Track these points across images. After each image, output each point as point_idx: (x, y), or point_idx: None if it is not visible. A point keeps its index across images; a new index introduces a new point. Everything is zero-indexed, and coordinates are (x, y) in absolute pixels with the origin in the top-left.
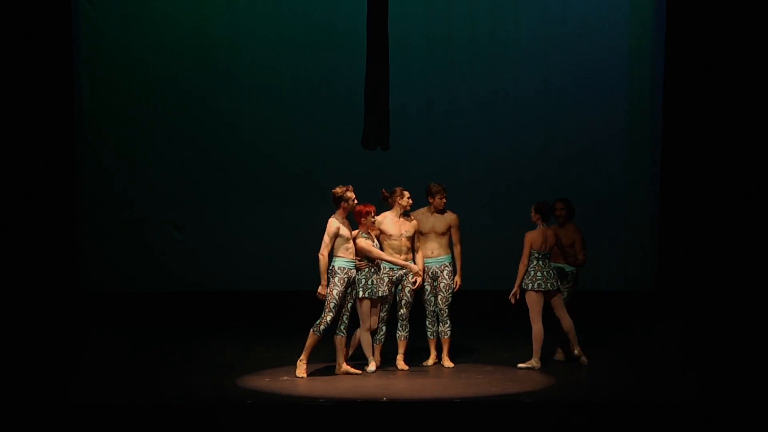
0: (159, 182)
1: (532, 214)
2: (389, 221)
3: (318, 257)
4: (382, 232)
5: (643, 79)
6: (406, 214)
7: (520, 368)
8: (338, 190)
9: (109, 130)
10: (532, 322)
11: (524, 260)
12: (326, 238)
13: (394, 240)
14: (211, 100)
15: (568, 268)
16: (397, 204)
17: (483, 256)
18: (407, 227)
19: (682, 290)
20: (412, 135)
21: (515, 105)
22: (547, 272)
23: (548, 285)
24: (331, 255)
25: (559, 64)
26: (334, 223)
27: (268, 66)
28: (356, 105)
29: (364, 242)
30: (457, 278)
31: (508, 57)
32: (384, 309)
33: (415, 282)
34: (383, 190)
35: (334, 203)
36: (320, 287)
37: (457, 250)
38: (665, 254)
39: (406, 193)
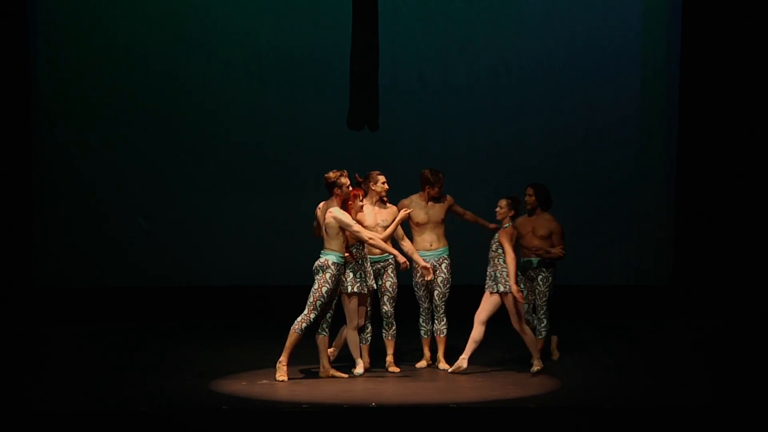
0: (123, 167)
1: (505, 209)
2: (365, 210)
3: (373, 245)
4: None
5: (658, 52)
6: (381, 200)
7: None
8: (331, 174)
9: (68, 110)
10: (518, 328)
11: (511, 255)
12: (355, 226)
13: (369, 230)
14: (181, 76)
15: (535, 261)
16: (371, 190)
17: (480, 247)
18: (384, 215)
19: (700, 285)
20: (403, 114)
21: (517, 81)
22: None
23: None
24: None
25: (566, 36)
26: (341, 211)
27: (243, 37)
28: (341, 81)
29: (357, 225)
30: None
31: (510, 27)
32: (368, 305)
33: (420, 274)
34: (356, 175)
35: (327, 189)
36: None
37: (469, 214)
38: (682, 246)
39: (381, 177)
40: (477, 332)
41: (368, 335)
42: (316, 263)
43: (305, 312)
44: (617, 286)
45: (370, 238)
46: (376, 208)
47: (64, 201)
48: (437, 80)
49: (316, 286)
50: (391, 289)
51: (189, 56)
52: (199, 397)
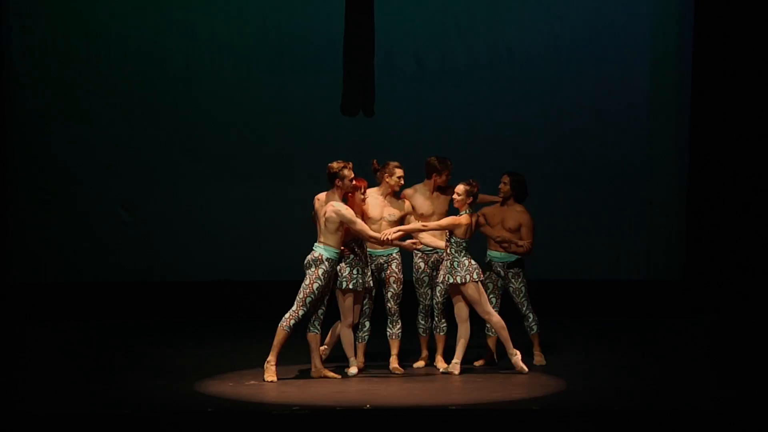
0: (103, 155)
1: (464, 197)
2: (371, 201)
3: (372, 240)
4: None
5: (669, 33)
6: (396, 195)
7: (522, 369)
8: (335, 165)
9: (44, 93)
10: (486, 315)
11: (437, 224)
12: (359, 224)
13: (373, 224)
14: (163, 59)
15: (498, 256)
16: (384, 182)
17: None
18: (392, 211)
19: (714, 280)
20: (400, 99)
21: (520, 64)
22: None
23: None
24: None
25: (571, 16)
26: (344, 206)
27: (230, 17)
28: (335, 63)
29: (360, 223)
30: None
31: (512, 7)
32: (366, 302)
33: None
34: (374, 161)
35: (328, 181)
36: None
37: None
38: (695, 238)
39: (399, 171)
40: (463, 330)
41: (365, 334)
42: (309, 257)
43: (293, 308)
44: (626, 281)
45: (372, 237)
46: (387, 200)
47: (40, 191)
48: (436, 63)
49: (307, 281)
50: (395, 286)
51: (172, 37)
52: (184, 398)
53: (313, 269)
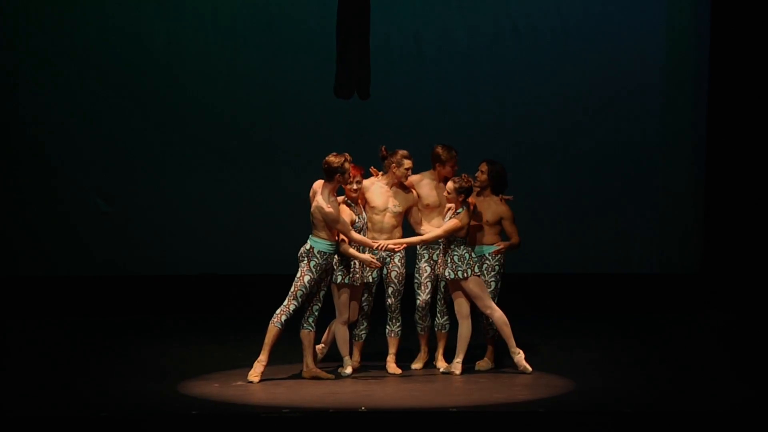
0: (79, 140)
1: (454, 195)
2: (376, 189)
3: (356, 242)
4: (365, 201)
5: (685, 7)
6: (402, 185)
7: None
8: (334, 160)
9: (14, 71)
10: (488, 311)
11: (435, 233)
12: (341, 224)
13: (376, 214)
14: (144, 36)
15: (487, 250)
16: (391, 171)
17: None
18: (396, 202)
19: (732, 274)
20: (398, 80)
21: (524, 43)
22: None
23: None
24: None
25: None
26: (326, 204)
27: None
28: (327, 42)
29: (344, 222)
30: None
31: None
32: (365, 298)
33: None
34: (383, 148)
35: (326, 175)
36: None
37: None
38: (712, 229)
39: (407, 163)
40: (464, 328)
41: (362, 332)
42: (302, 249)
43: (285, 303)
44: (639, 274)
45: (357, 240)
46: (392, 191)
47: (12, 178)
48: (435, 41)
49: (298, 274)
50: (396, 281)
51: (153, 14)
52: (166, 400)
53: (305, 262)
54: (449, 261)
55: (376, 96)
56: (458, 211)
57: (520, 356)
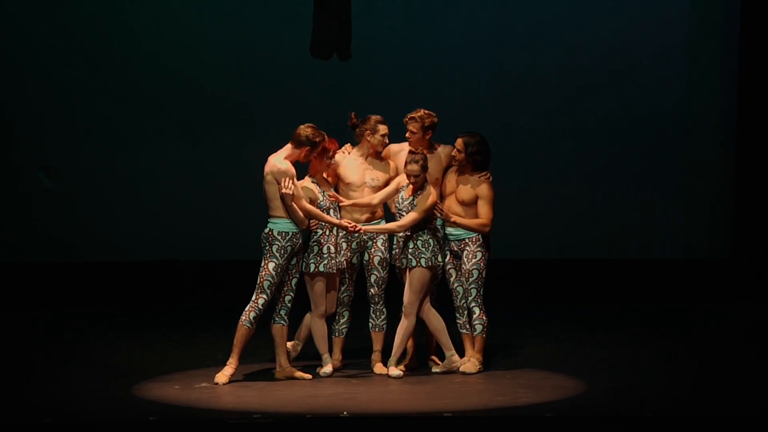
0: (21, 107)
1: (421, 174)
2: (350, 163)
3: (301, 201)
4: (338, 177)
5: None
6: (378, 155)
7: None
8: (310, 132)
9: None
10: (408, 308)
11: (403, 224)
12: (299, 202)
13: (353, 191)
14: None
15: (460, 233)
16: (365, 140)
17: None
18: (375, 175)
19: (766, 259)
20: (382, 38)
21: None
22: None
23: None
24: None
25: None
26: (284, 162)
27: None
28: None
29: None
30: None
31: None
32: (344, 288)
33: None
34: (352, 115)
35: (296, 144)
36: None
37: None
38: (743, 209)
39: (383, 128)
40: (433, 320)
41: (343, 326)
42: (262, 234)
43: (253, 298)
44: (661, 260)
45: (310, 211)
46: (368, 162)
47: None
48: None
49: (262, 263)
50: (379, 267)
51: None
52: (120, 404)
53: (267, 248)
54: (412, 247)
55: (357, 56)
56: (419, 191)
57: (398, 373)
